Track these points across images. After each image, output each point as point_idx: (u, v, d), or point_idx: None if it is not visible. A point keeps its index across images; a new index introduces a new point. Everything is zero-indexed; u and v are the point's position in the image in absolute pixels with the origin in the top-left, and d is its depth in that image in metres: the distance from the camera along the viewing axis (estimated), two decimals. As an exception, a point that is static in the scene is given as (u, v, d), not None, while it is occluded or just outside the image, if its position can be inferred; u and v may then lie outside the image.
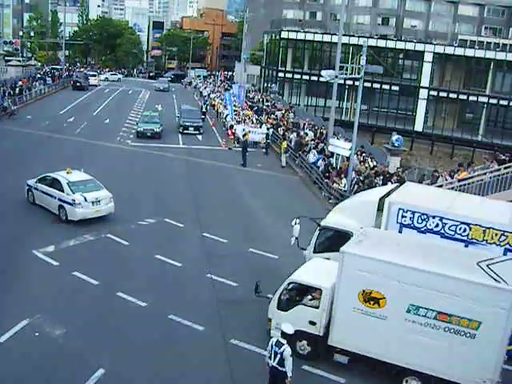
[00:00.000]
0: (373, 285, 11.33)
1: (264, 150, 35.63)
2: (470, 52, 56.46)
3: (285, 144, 33.17)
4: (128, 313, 13.64)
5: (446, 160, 52.34)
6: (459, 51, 56.88)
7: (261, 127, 38.36)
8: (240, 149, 32.96)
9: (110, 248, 17.56)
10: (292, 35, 64.51)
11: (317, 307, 12.06)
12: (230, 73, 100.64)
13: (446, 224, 13.23)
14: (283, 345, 9.98)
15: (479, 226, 12.93)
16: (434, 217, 13.31)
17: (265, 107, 50.81)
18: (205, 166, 30.61)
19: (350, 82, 49.95)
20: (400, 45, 60.26)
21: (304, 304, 12.30)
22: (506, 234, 12.68)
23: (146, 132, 37.17)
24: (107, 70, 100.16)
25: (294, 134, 36.02)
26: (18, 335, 12.15)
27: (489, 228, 12.86)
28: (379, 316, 11.40)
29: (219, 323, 13.25)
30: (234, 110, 44.73)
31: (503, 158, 25.47)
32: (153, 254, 17.11)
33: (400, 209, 13.62)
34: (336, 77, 25.64)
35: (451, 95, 57.45)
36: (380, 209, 14.11)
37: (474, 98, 57.12)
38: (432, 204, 13.76)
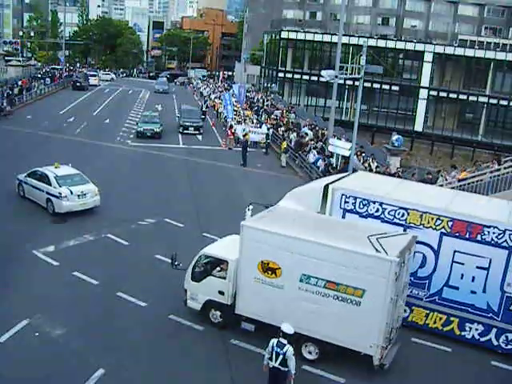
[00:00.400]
0: (269, 256, 12.04)
1: (264, 150, 35.64)
2: (470, 52, 56.46)
3: (285, 144, 33.19)
4: (128, 313, 13.64)
5: (446, 160, 52.31)
6: (459, 51, 56.87)
7: (261, 127, 38.38)
8: (240, 149, 32.97)
9: (110, 248, 17.56)
10: (292, 35, 64.52)
11: (224, 278, 12.88)
12: (228, 73, 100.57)
13: (385, 209, 13.74)
14: (285, 345, 9.99)
15: (416, 210, 13.42)
16: (374, 202, 13.85)
17: (265, 107, 50.79)
18: (205, 166, 30.60)
19: (350, 82, 49.94)
20: (400, 45, 60.27)
21: (213, 275, 13.13)
22: (441, 218, 13.15)
23: (145, 132, 37.18)
24: (100, 69, 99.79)
25: (294, 133, 36.03)
26: (18, 335, 12.15)
27: (425, 212, 13.32)
28: (276, 285, 12.12)
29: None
30: (234, 110, 44.74)
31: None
32: (153, 253, 17.09)
33: (343, 195, 14.21)
34: (336, 77, 25.62)
35: (451, 95, 57.46)
36: (325, 195, 14.59)
37: (474, 98, 57.12)
38: (373, 190, 14.27)
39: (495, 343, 13.16)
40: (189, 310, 13.60)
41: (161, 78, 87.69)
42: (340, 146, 27.17)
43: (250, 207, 15.18)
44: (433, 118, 58.86)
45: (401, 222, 13.61)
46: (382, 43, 58.95)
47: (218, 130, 43.41)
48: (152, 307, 13.89)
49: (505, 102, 55.28)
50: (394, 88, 59.47)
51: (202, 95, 65.03)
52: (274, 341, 10.14)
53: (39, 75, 69.70)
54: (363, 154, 29.11)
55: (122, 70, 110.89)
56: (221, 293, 12.93)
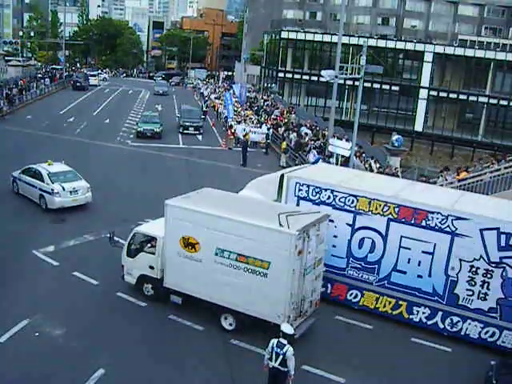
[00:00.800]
0: (189, 232, 12.99)
1: (264, 150, 35.64)
2: (470, 52, 56.45)
3: (284, 144, 33.18)
4: (128, 313, 13.65)
5: (446, 160, 52.32)
6: (459, 51, 56.85)
7: (261, 127, 38.38)
8: (240, 149, 32.97)
9: (110, 248, 17.52)
10: (292, 35, 64.52)
11: (154, 253, 13.94)
12: (227, 72, 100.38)
13: (336, 196, 14.43)
14: (285, 345, 9.98)
15: (365, 197, 14.02)
16: (325, 190, 14.54)
17: (264, 107, 50.79)
18: (205, 166, 30.60)
19: (350, 82, 49.93)
20: (400, 45, 60.26)
21: (145, 251, 14.24)
22: (388, 204, 13.71)
23: (145, 132, 37.18)
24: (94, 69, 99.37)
25: (294, 133, 36.02)
26: (18, 335, 12.16)
27: (373, 199, 13.91)
28: (196, 259, 13.03)
29: (219, 323, 13.23)
30: (235, 110, 44.74)
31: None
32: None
33: (297, 183, 14.90)
34: (336, 77, 25.59)
35: (451, 95, 57.45)
36: (281, 184, 15.24)
37: (474, 98, 57.11)
38: (326, 179, 14.97)
39: (441, 326, 13.63)
40: (189, 311, 13.62)
41: (158, 78, 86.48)
42: (340, 146, 27.15)
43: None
44: (433, 118, 58.84)
45: (351, 209, 14.23)
46: (382, 43, 58.95)
47: (218, 130, 43.42)
48: (152, 307, 13.89)
49: (505, 102, 55.26)
50: (394, 88, 59.47)
51: (203, 95, 64.95)
52: (273, 341, 10.14)
53: (40, 75, 69.72)
54: (364, 155, 29.08)
55: (122, 70, 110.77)
56: (151, 267, 13.99)
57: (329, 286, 14.75)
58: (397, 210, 13.62)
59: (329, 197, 14.52)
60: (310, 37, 63.14)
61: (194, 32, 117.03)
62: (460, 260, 13.10)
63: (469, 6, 74.46)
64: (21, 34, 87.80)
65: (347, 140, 29.31)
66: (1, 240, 17.27)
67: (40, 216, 19.86)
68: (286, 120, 42.41)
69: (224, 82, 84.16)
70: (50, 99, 56.57)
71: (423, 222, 13.33)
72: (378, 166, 27.05)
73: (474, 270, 13.00)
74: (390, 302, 14.11)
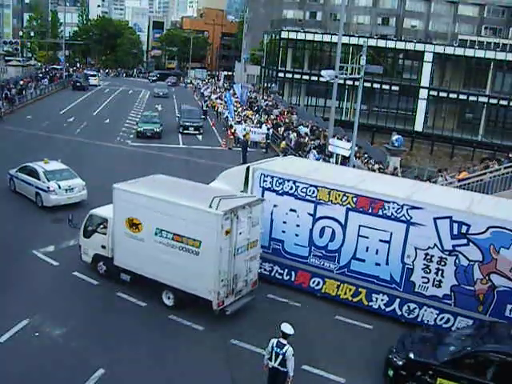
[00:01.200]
0: (133, 213, 13.96)
1: (264, 150, 35.64)
2: (470, 52, 56.43)
3: (283, 144, 33.16)
4: (128, 313, 13.64)
5: (446, 160, 52.33)
6: (459, 51, 56.83)
7: (261, 127, 38.38)
8: (240, 149, 32.96)
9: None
10: (292, 35, 64.48)
11: (105, 234, 14.90)
12: (226, 72, 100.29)
13: (298, 187, 14.88)
14: (285, 345, 9.95)
15: (325, 187, 14.53)
16: (288, 180, 15.02)
17: (264, 107, 50.79)
18: (205, 166, 30.57)
19: (350, 82, 49.92)
20: (400, 45, 60.24)
21: (98, 232, 15.21)
22: (347, 194, 14.22)
23: (145, 132, 37.18)
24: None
25: (294, 133, 36.03)
26: (18, 335, 12.15)
27: (332, 189, 14.42)
28: (139, 238, 13.93)
29: (219, 323, 13.24)
30: (235, 110, 44.74)
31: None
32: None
33: (262, 174, 15.45)
34: (336, 77, 25.59)
35: (451, 95, 57.44)
36: (247, 175, 15.75)
37: (474, 98, 57.11)
38: (289, 170, 15.46)
39: (399, 313, 14.01)
40: (189, 310, 13.62)
41: (152, 78, 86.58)
42: (340, 146, 27.16)
43: None
44: (433, 118, 58.83)
45: (312, 199, 14.69)
46: (382, 43, 58.93)
47: (217, 130, 43.42)
48: (152, 307, 13.89)
49: (505, 102, 55.24)
50: (394, 88, 59.45)
51: (204, 95, 64.86)
52: (273, 341, 10.12)
53: (41, 75, 69.78)
54: (365, 155, 29.09)
55: (123, 70, 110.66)
56: (103, 247, 15.02)
57: (292, 273, 15.34)
58: (355, 199, 14.08)
59: (291, 187, 14.99)
60: (310, 37, 63.11)
61: (194, 32, 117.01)
62: (415, 248, 13.48)
63: (469, 5, 74.45)
64: (21, 34, 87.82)
65: (347, 140, 29.35)
66: (1, 240, 17.26)
67: (40, 216, 19.85)
68: (287, 120, 42.37)
69: (224, 82, 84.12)
70: (50, 99, 56.56)
71: (380, 211, 13.76)
72: (379, 166, 27.06)
73: (428, 257, 13.40)
74: (350, 290, 14.56)
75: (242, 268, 13.58)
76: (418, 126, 57.73)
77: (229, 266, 13.05)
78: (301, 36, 63.96)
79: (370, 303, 14.31)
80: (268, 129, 37.70)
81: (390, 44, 59.82)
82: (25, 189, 21.57)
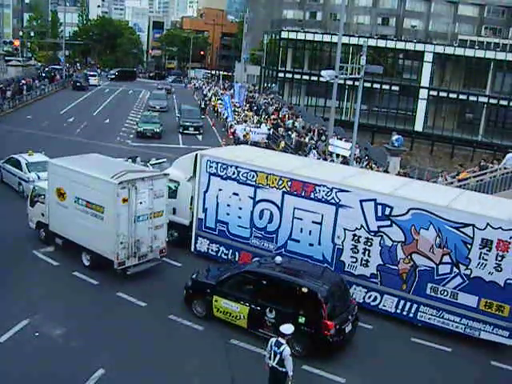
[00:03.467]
0: (60, 183, 16.09)
1: (264, 150, 35.59)
2: (470, 52, 56.46)
3: (283, 143, 33.13)
4: (128, 313, 13.65)
5: (446, 160, 52.34)
6: (459, 51, 56.86)
7: (260, 127, 38.37)
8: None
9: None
10: (292, 35, 64.50)
11: (43, 203, 16.95)
12: (223, 72, 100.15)
13: (239, 172, 15.80)
14: (282, 344, 9.91)
15: (263, 172, 15.43)
16: (231, 166, 15.95)
17: (263, 107, 50.74)
18: (205, 166, 30.55)
19: (350, 82, 49.92)
20: (400, 45, 60.26)
21: (39, 201, 17.26)
22: (282, 178, 15.08)
23: (145, 132, 37.18)
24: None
25: (294, 133, 36.00)
26: (18, 335, 12.15)
27: (270, 174, 15.31)
28: (64, 206, 15.98)
29: (219, 323, 13.24)
30: (235, 111, 44.72)
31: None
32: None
33: (208, 160, 16.40)
34: (336, 77, 25.58)
35: (451, 95, 57.45)
36: (196, 162, 16.77)
37: (474, 98, 57.11)
38: (233, 157, 16.39)
39: None
40: (189, 310, 13.62)
41: (157, 92, 60.78)
42: (340, 146, 27.16)
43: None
44: (433, 118, 58.83)
45: (252, 183, 15.63)
46: (382, 43, 58.95)
47: (217, 130, 43.41)
48: (152, 307, 13.90)
49: (505, 102, 55.26)
50: (394, 88, 59.48)
51: (206, 96, 64.41)
52: (272, 340, 10.10)
53: (44, 74, 69.83)
54: (367, 157, 29.08)
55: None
56: (43, 215, 17.03)
57: (236, 254, 16.30)
58: (289, 183, 14.96)
59: (234, 172, 15.92)
60: (310, 37, 63.12)
61: (194, 32, 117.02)
62: (344, 229, 14.30)
63: (469, 5, 74.39)
64: (21, 34, 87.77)
65: (346, 141, 29.33)
66: (1, 240, 17.24)
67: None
68: (291, 126, 41.74)
69: (224, 82, 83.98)
70: (50, 99, 56.56)
71: (312, 194, 14.64)
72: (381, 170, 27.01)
73: (356, 238, 14.19)
74: None
75: (146, 234, 15.22)
76: (418, 126, 57.75)
77: (128, 231, 14.78)
78: (301, 36, 63.97)
79: None
80: (268, 129, 37.68)
81: (390, 44, 59.84)
82: (10, 178, 23.10)
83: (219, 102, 54.65)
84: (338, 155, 27.98)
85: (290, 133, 36.73)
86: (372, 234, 13.93)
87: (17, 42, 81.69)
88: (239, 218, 15.97)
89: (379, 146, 36.79)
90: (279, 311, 12.20)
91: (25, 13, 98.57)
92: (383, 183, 15.06)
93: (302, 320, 11.92)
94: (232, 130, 38.28)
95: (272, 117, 43.80)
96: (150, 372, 11.31)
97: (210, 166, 16.36)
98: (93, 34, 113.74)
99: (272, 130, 38.22)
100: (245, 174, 15.71)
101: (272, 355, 9.98)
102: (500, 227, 12.44)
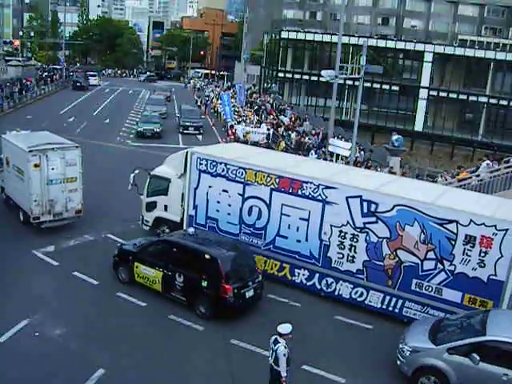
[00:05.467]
0: (7, 154, 19.49)
1: (264, 150, 35.59)
2: (470, 52, 56.39)
3: (283, 143, 33.14)
4: (128, 312, 13.65)
5: (446, 160, 52.31)
6: (459, 51, 56.79)
7: (260, 127, 38.38)
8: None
9: (109, 248, 17.54)
10: (292, 35, 64.45)
11: (2, 171, 20.12)
12: (219, 72, 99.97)
13: (229, 169, 16.00)
14: (278, 343, 9.79)
15: (251, 169, 15.63)
16: (220, 163, 16.15)
17: (262, 107, 50.75)
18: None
19: (349, 82, 49.94)
20: (400, 45, 60.17)
21: (1, 170, 20.10)
22: (270, 176, 15.33)
23: (145, 132, 37.18)
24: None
25: (294, 133, 36.02)
26: (18, 335, 12.15)
27: (258, 171, 15.51)
28: (9, 171, 19.35)
29: (219, 323, 13.24)
30: (235, 111, 44.70)
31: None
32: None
33: (198, 157, 16.60)
34: (336, 77, 25.60)
35: (451, 95, 57.41)
36: (186, 159, 16.96)
37: (474, 98, 57.07)
38: (223, 154, 16.63)
39: (318, 287, 15.05)
40: (189, 310, 13.62)
41: (154, 96, 56.92)
42: (340, 146, 27.16)
43: (137, 171, 18.95)
44: (433, 118, 58.80)
45: (241, 180, 15.81)
46: (382, 43, 58.85)
47: (217, 129, 43.41)
48: (152, 307, 13.90)
49: (505, 102, 55.23)
50: (394, 88, 59.41)
51: (209, 97, 64.09)
52: (273, 337, 10.01)
53: (46, 73, 69.83)
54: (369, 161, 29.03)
55: (124, 70, 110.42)
56: (2, 181, 20.47)
57: None
58: (277, 180, 15.18)
59: (223, 169, 16.11)
60: (310, 37, 63.07)
61: (194, 32, 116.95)
62: (331, 226, 14.51)
63: (469, 5, 74.39)
64: (21, 33, 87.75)
65: (346, 140, 29.33)
66: (1, 240, 17.27)
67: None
68: (297, 129, 41.53)
69: (224, 82, 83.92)
70: (50, 99, 56.56)
71: (299, 191, 14.85)
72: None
73: (342, 234, 14.40)
74: (276, 265, 15.63)
75: (60, 196, 18.05)
76: (418, 126, 57.71)
77: (41, 192, 17.64)
78: (301, 36, 63.93)
79: (293, 278, 15.36)
80: (268, 129, 37.69)
81: (390, 44, 59.76)
82: None
83: (219, 101, 54.66)
84: (338, 156, 27.97)
85: (289, 133, 36.76)
86: (358, 230, 14.12)
87: (17, 42, 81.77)
88: (229, 214, 16.21)
89: (379, 146, 36.76)
90: (186, 276, 13.55)
91: (25, 13, 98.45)
92: (370, 180, 15.25)
93: (204, 284, 13.26)
94: (233, 130, 38.29)
95: (270, 117, 43.78)
96: (149, 372, 11.31)
97: (200, 164, 16.57)
98: (93, 33, 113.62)
99: (272, 130, 38.23)
100: (234, 171, 15.91)
101: (270, 353, 9.95)
102: (483, 223, 12.56)
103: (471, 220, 12.66)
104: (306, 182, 14.71)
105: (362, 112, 43.21)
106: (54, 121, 41.15)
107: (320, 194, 14.54)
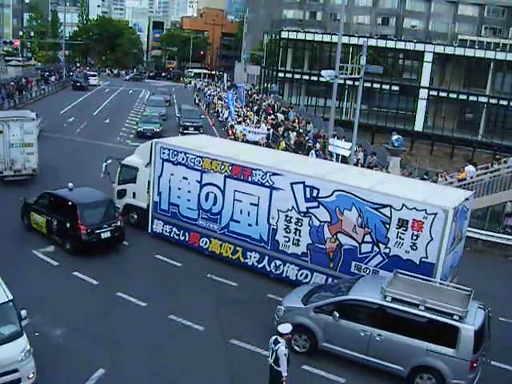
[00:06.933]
0: None
1: (264, 150, 35.56)
2: (470, 52, 56.43)
3: (283, 143, 33.10)
4: (128, 313, 13.65)
5: (446, 160, 52.32)
6: (459, 51, 56.84)
7: (259, 127, 38.36)
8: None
9: (109, 248, 17.56)
10: (292, 35, 64.48)
11: None
12: (217, 72, 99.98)
13: (188, 157, 16.97)
14: (279, 343, 9.79)
15: (208, 158, 16.58)
16: (180, 152, 17.15)
17: (262, 107, 50.72)
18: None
19: (350, 82, 49.87)
20: (400, 45, 60.24)
21: None
22: (224, 163, 16.21)
23: (145, 132, 37.14)
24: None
25: (294, 133, 35.99)
26: (18, 335, 12.11)
27: (214, 159, 16.43)
28: None
29: (219, 323, 13.24)
30: (236, 111, 44.71)
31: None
32: (152, 253, 17.13)
33: (161, 147, 17.66)
34: (336, 77, 25.59)
35: (451, 95, 57.43)
36: (152, 149, 18.02)
37: (474, 98, 57.09)
38: (184, 144, 17.68)
39: (268, 269, 15.87)
40: (189, 310, 13.61)
41: (153, 97, 54.02)
42: (340, 146, 27.14)
43: (109, 161, 19.95)
44: (433, 118, 58.83)
45: (198, 168, 16.77)
46: (381, 43, 58.92)
47: (217, 129, 43.41)
48: (152, 307, 13.90)
49: (505, 102, 55.24)
50: (394, 88, 59.44)
51: (210, 96, 63.85)
52: (273, 337, 10.02)
53: (48, 73, 69.75)
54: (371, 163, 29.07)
55: (124, 70, 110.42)
56: None
57: (186, 234, 17.53)
58: (230, 168, 16.05)
59: (183, 158, 17.07)
60: (310, 37, 63.10)
61: (194, 32, 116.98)
62: (278, 210, 15.31)
63: (469, 5, 74.43)
64: (21, 33, 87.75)
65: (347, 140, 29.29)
66: (1, 240, 17.26)
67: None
68: (302, 130, 41.36)
69: (225, 81, 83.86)
70: (50, 99, 56.53)
71: (249, 177, 15.70)
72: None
73: (288, 219, 15.18)
74: (230, 248, 16.54)
75: (19, 157, 22.95)
76: (418, 126, 57.74)
77: (4, 153, 22.63)
78: (301, 36, 63.95)
79: (246, 260, 16.24)
80: (268, 129, 37.68)
81: (390, 44, 59.82)
82: None
83: (219, 101, 54.67)
84: (338, 156, 27.96)
85: (289, 132, 36.72)
86: (302, 214, 14.86)
87: (17, 42, 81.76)
88: (188, 200, 17.18)
89: (379, 146, 36.75)
90: (58, 220, 16.70)
91: (25, 13, 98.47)
92: (318, 168, 16.09)
93: (68, 225, 16.30)
94: (233, 130, 38.27)
95: (270, 117, 43.71)
96: (149, 372, 11.31)
97: (163, 153, 17.58)
98: (93, 33, 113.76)
99: (272, 130, 38.20)
100: (192, 160, 16.85)
101: (270, 353, 9.95)
102: (414, 208, 13.11)
103: (403, 204, 13.25)
104: (255, 169, 15.53)
105: (361, 112, 43.19)
106: (54, 121, 41.10)
107: (268, 181, 15.35)
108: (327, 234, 14.51)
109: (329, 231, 14.48)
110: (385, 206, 13.50)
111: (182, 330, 13.03)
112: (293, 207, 14.98)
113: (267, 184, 15.37)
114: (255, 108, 50.34)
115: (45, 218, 17.16)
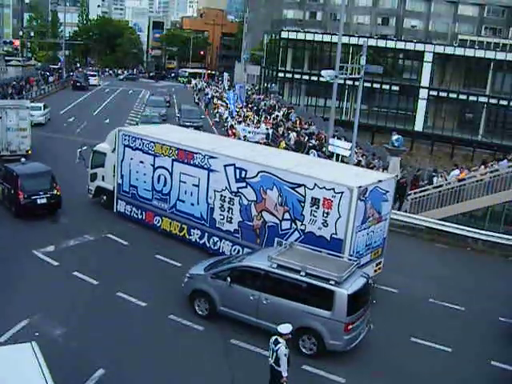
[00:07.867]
0: None
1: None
2: (470, 52, 56.43)
3: (283, 144, 33.10)
4: (128, 313, 13.64)
5: (446, 160, 52.30)
6: (459, 51, 56.83)
7: (259, 127, 38.36)
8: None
9: (110, 248, 17.58)
10: (292, 35, 64.48)
11: None
12: (217, 72, 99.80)
13: (144, 143, 18.55)
14: (279, 343, 9.79)
15: (159, 143, 18.10)
16: (138, 138, 18.76)
17: (262, 107, 50.70)
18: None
19: (350, 82, 49.92)
20: (400, 45, 60.24)
21: None
22: (171, 148, 17.72)
23: (145, 132, 37.13)
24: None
25: (294, 133, 35.98)
26: (18, 335, 12.13)
27: (163, 144, 17.93)
28: None
29: (219, 323, 13.24)
30: (236, 111, 44.69)
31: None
32: (153, 253, 17.12)
33: (123, 134, 19.32)
34: (336, 77, 25.60)
35: (451, 95, 57.43)
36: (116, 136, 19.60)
37: (474, 98, 57.09)
38: (141, 131, 19.40)
39: (208, 245, 17.19)
40: (189, 310, 13.62)
41: (153, 97, 53.96)
42: (340, 146, 27.17)
43: (84, 147, 22.46)
44: (433, 118, 58.82)
45: (151, 152, 18.28)
46: (381, 43, 58.91)
47: (217, 129, 43.42)
48: (152, 307, 13.89)
49: (505, 102, 55.24)
50: (394, 88, 59.45)
51: (211, 96, 63.67)
52: (273, 337, 10.01)
53: (48, 73, 69.71)
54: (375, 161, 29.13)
55: (124, 70, 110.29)
56: None
57: (143, 213, 19.07)
58: (176, 152, 17.55)
59: (140, 144, 18.65)
60: (310, 37, 63.10)
61: (194, 32, 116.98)
62: (214, 191, 16.67)
63: (469, 5, 74.43)
64: (21, 33, 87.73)
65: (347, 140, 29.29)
66: (1, 240, 17.26)
67: (40, 216, 19.83)
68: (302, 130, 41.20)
69: (224, 81, 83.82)
70: (50, 99, 56.47)
71: (191, 161, 17.13)
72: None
73: (222, 198, 16.52)
74: (177, 226, 17.98)
75: (15, 140, 26.73)
76: (418, 126, 57.73)
77: (1, 136, 26.37)
78: (301, 36, 63.95)
79: (190, 237, 17.62)
80: (267, 129, 37.68)
81: (390, 44, 59.81)
82: None
83: (219, 102, 54.67)
84: (338, 156, 27.98)
85: (289, 132, 36.72)
86: (233, 194, 16.18)
87: (17, 42, 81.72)
88: (144, 182, 18.75)
89: (379, 146, 36.76)
90: (7, 188, 19.54)
91: (25, 13, 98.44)
92: (253, 153, 17.15)
93: (12, 192, 19.11)
94: (233, 130, 38.27)
95: (270, 117, 43.69)
96: (149, 372, 11.31)
97: (125, 139, 19.18)
98: (93, 33, 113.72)
99: (272, 130, 38.19)
100: (147, 145, 18.40)
101: (271, 353, 9.94)
102: (324, 187, 14.17)
103: (315, 184, 14.31)
104: (196, 153, 16.96)
105: (362, 112, 43.19)
106: (54, 120, 41.14)
107: (206, 163, 16.75)
108: (254, 212, 15.72)
109: (255, 209, 15.67)
110: (300, 185, 14.59)
111: (181, 329, 13.03)
112: (226, 187, 16.30)
113: (205, 166, 16.76)
114: (255, 108, 50.31)
115: (0, 187, 20.19)
